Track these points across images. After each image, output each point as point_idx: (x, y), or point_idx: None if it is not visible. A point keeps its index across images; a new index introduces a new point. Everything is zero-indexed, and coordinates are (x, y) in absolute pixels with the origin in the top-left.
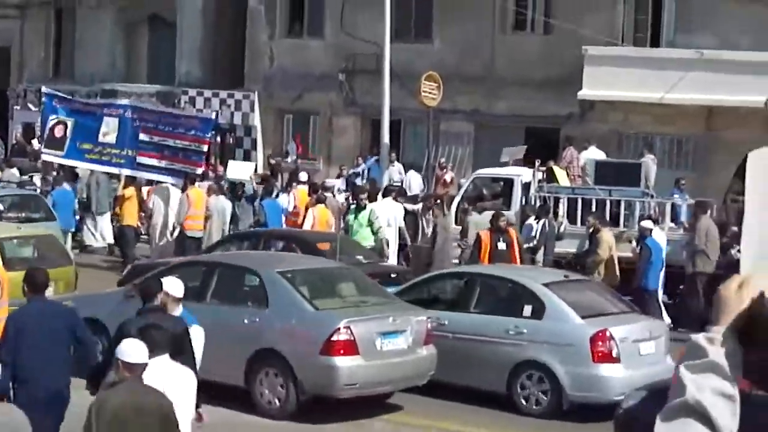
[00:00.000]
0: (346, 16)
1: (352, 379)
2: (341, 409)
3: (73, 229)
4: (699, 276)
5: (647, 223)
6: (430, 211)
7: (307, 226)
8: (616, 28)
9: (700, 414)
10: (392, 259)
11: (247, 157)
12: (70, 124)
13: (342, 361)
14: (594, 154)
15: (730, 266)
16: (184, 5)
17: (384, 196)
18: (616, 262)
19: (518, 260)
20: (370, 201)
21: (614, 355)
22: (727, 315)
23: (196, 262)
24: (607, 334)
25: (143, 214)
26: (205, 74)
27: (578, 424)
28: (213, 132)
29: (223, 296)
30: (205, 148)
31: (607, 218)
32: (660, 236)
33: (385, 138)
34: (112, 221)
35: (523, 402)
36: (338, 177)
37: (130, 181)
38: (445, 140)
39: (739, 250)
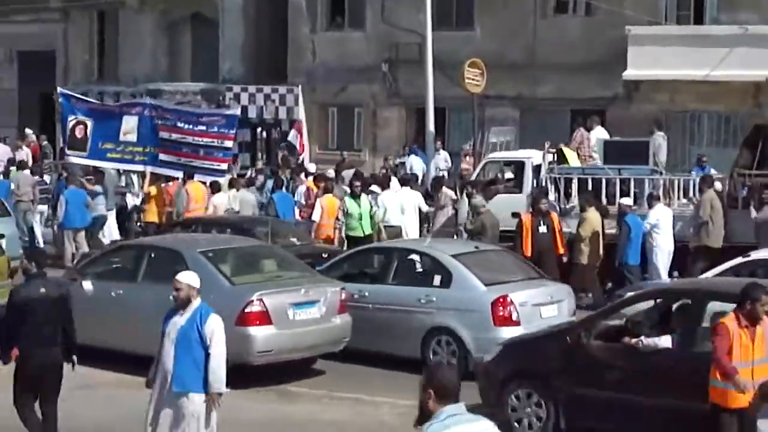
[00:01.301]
0: (387, 7)
1: (266, 346)
2: (264, 376)
3: (87, 226)
4: (703, 249)
5: (627, 200)
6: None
7: (316, 216)
8: (658, 7)
9: None
10: None
11: (291, 151)
12: (89, 124)
13: (256, 331)
14: (600, 133)
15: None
16: (225, 2)
17: (402, 185)
18: (600, 239)
19: (560, 245)
20: (383, 190)
21: (514, 318)
22: None
23: (129, 246)
24: (508, 299)
25: (169, 210)
26: (249, 70)
27: None
28: (236, 128)
29: (152, 276)
30: (230, 144)
31: (617, 196)
32: (665, 213)
33: (431, 127)
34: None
35: None
36: (382, 168)
37: (155, 178)
38: (490, 126)
39: None
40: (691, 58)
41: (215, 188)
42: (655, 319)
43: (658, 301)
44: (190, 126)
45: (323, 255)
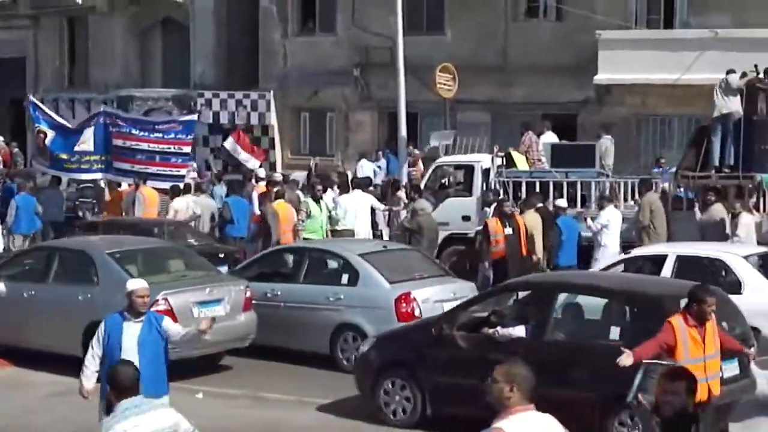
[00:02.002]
0: (358, 11)
1: (171, 344)
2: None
3: (35, 231)
4: None
5: (561, 202)
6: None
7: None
8: (628, 11)
9: None
10: None
11: (265, 156)
12: (50, 134)
13: None
14: (550, 138)
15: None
16: (195, 8)
17: (353, 188)
18: (536, 240)
19: (524, 246)
20: (341, 193)
21: (417, 314)
22: None
23: (41, 248)
24: (411, 296)
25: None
26: (220, 76)
27: None
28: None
29: (62, 277)
30: (188, 149)
31: (565, 199)
32: (615, 215)
33: (402, 131)
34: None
35: (344, 362)
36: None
37: (116, 185)
38: (462, 131)
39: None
40: (662, 61)
41: (175, 192)
42: (515, 310)
43: (519, 293)
44: (146, 133)
45: (219, 255)
